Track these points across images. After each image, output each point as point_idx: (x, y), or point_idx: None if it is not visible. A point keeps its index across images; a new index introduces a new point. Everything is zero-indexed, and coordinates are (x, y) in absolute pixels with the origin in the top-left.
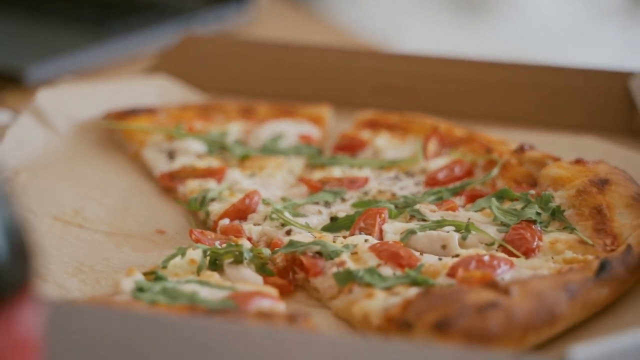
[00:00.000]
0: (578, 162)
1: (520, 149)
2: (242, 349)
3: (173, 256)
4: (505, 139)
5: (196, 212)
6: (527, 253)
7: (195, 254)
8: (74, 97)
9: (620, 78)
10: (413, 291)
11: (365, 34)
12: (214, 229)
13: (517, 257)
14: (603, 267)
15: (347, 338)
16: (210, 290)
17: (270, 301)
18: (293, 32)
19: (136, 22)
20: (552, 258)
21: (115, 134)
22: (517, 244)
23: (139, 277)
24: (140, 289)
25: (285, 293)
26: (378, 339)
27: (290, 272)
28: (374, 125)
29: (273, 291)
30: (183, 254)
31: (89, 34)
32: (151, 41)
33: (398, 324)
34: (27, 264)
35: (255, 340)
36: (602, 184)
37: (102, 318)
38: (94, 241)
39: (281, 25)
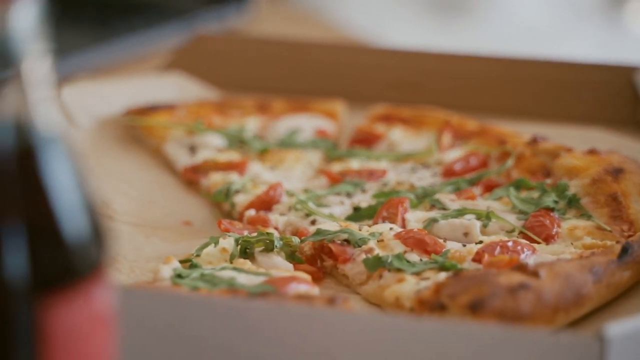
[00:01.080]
0: (591, 152)
1: (534, 141)
2: (287, 328)
3: (206, 245)
4: (517, 131)
5: (221, 204)
6: (547, 239)
7: (227, 242)
8: (95, 94)
9: (625, 72)
10: (442, 275)
11: (357, 31)
12: (239, 220)
13: (538, 243)
14: (625, 250)
15: (389, 316)
16: (247, 277)
17: (306, 286)
18: (292, 30)
19: (139, 22)
20: (572, 244)
21: (136, 130)
22: (537, 231)
23: (176, 264)
24: (179, 276)
25: (314, 280)
26: (417, 317)
27: (318, 259)
28: (387, 119)
29: (307, 277)
30: (216, 243)
31: (92, 34)
32: (154, 41)
33: (431, 305)
34: (103, 244)
35: (299, 319)
36: (617, 172)
37: (161, 301)
38: (124, 232)
39: (280, 23)
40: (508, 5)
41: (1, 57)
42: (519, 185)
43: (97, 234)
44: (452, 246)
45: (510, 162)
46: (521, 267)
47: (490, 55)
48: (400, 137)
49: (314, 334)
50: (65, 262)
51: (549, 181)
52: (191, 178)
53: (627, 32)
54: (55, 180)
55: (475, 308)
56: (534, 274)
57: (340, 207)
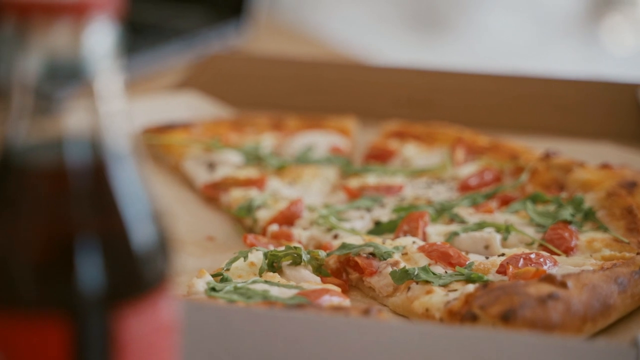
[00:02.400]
0: (604, 166)
1: (547, 155)
2: (326, 338)
3: (236, 259)
4: (529, 146)
5: (243, 219)
6: (567, 251)
7: (255, 256)
8: None
9: (630, 89)
10: (470, 287)
11: (347, 48)
12: (262, 235)
13: (558, 255)
14: None
15: (425, 325)
16: (279, 289)
17: (339, 297)
18: (289, 47)
19: (140, 43)
20: (591, 255)
21: (154, 148)
22: (557, 243)
23: (209, 278)
24: (212, 289)
25: (342, 292)
26: (452, 326)
27: (343, 272)
28: (400, 136)
29: (337, 289)
30: (245, 257)
31: None
32: (155, 61)
33: (462, 316)
34: (169, 256)
35: (337, 329)
36: (631, 186)
37: (202, 312)
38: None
39: (277, 41)
40: (488, 22)
41: (74, 75)
42: (534, 199)
43: (164, 246)
44: (475, 259)
45: (524, 176)
46: (549, 278)
47: (499, 73)
48: (414, 153)
49: (352, 344)
50: (136, 274)
51: (564, 195)
52: (211, 194)
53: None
54: (126, 193)
55: (507, 318)
56: (562, 284)
57: (361, 221)
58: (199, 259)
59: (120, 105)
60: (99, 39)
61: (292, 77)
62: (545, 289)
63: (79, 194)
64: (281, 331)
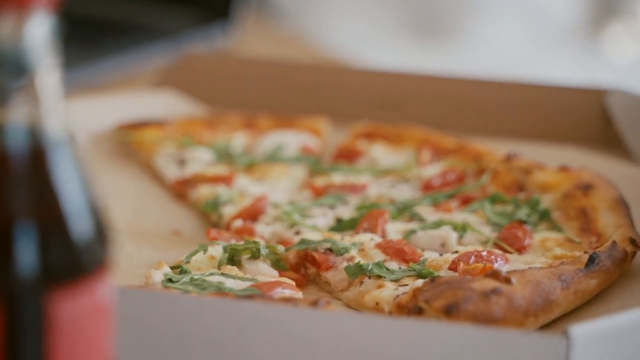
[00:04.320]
0: (563, 169)
1: (508, 158)
2: (273, 327)
3: (195, 252)
4: (493, 148)
5: (209, 215)
6: (520, 250)
7: (215, 250)
8: (86, 110)
9: (596, 94)
10: (420, 282)
11: (340, 53)
12: (227, 230)
13: (511, 253)
14: (592, 259)
15: (370, 316)
16: (235, 281)
17: (291, 290)
18: (277, 51)
19: (127, 42)
20: (543, 254)
21: (126, 145)
22: (510, 242)
23: (167, 270)
24: (169, 280)
25: (299, 286)
26: (396, 318)
27: (302, 267)
28: (369, 136)
29: (291, 282)
30: (205, 250)
31: (82, 52)
32: (143, 60)
33: (409, 309)
34: (106, 243)
35: (285, 319)
36: (586, 188)
37: (153, 301)
38: (116, 240)
39: (265, 44)
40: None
41: (16, 67)
42: (494, 200)
43: (101, 233)
44: (430, 255)
45: (485, 177)
46: (494, 274)
47: (470, 78)
48: (381, 154)
49: (298, 332)
50: (72, 259)
51: (522, 196)
52: (181, 190)
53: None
54: (64, 181)
55: (450, 311)
56: (506, 280)
57: (323, 218)
58: (164, 252)
59: (59, 95)
60: (39, 31)
61: (268, 78)
62: (490, 284)
63: (17, 180)
64: (230, 320)
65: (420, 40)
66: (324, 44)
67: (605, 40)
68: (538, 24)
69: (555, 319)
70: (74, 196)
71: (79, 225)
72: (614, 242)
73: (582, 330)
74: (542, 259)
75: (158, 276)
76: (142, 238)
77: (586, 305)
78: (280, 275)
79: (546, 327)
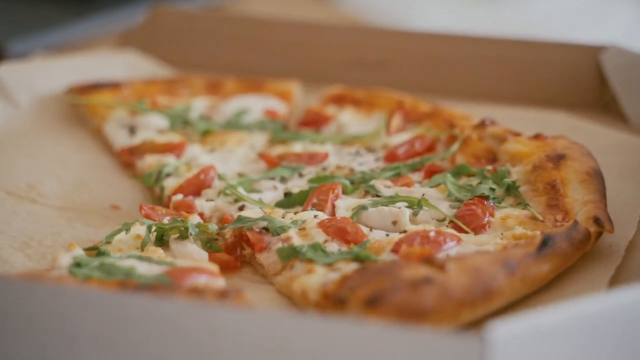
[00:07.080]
0: (537, 137)
1: (482, 124)
2: (168, 323)
3: (118, 231)
4: (470, 114)
5: (152, 188)
6: (477, 229)
7: (141, 229)
8: (39, 72)
9: (592, 52)
10: (353, 267)
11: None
12: (167, 205)
13: (467, 233)
14: (545, 242)
15: (266, 313)
16: (149, 266)
17: (208, 277)
18: (280, 9)
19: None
20: (502, 234)
21: (78, 109)
22: (468, 220)
23: (78, 252)
24: (77, 264)
25: (231, 269)
26: (298, 314)
27: (239, 248)
28: (340, 100)
29: (213, 267)
30: (128, 230)
31: (72, 9)
32: (133, 17)
33: (333, 300)
34: None
35: (181, 315)
36: (558, 159)
37: (27, 293)
38: (45, 216)
39: (273, 2)
40: None
41: None
42: (459, 172)
43: None
44: (375, 236)
45: (454, 147)
46: (429, 260)
47: (457, 35)
48: (350, 119)
49: (196, 328)
50: None
51: (490, 167)
52: (127, 160)
53: None
54: None
55: (374, 303)
56: (441, 267)
57: (273, 192)
58: (96, 230)
59: None
60: None
61: (244, 37)
62: (422, 271)
63: None
64: (114, 313)
65: (468, 2)
66: (342, 3)
67: None
68: None
69: (503, 308)
70: None
71: None
72: (575, 222)
73: (502, 330)
74: (497, 240)
75: (66, 260)
76: (75, 213)
77: (540, 291)
78: (211, 257)
79: (490, 317)
